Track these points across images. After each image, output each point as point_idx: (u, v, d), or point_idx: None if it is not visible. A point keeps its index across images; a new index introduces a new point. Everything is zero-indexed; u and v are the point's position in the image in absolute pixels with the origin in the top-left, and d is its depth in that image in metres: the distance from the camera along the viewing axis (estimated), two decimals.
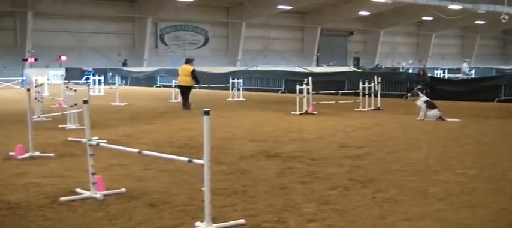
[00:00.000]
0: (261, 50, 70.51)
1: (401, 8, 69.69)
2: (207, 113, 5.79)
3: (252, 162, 9.87)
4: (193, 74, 21.36)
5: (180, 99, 24.43)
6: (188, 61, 22.06)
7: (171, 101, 24.71)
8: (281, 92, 32.04)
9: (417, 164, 9.65)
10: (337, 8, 67.79)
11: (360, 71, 50.77)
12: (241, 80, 28.24)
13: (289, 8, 62.92)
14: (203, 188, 5.85)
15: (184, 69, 21.64)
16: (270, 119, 17.57)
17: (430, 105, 17.19)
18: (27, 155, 10.27)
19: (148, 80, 42.24)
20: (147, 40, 60.40)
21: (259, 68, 48.23)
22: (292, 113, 18.87)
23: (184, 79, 21.48)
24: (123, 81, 40.55)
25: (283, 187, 7.87)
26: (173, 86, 23.52)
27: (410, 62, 73.23)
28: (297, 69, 45.68)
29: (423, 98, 17.64)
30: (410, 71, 46.39)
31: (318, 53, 74.60)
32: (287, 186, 7.91)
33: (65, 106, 18.06)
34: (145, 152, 7.28)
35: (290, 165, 9.53)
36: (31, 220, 6.36)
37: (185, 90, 21.57)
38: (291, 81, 30.53)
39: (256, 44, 70.32)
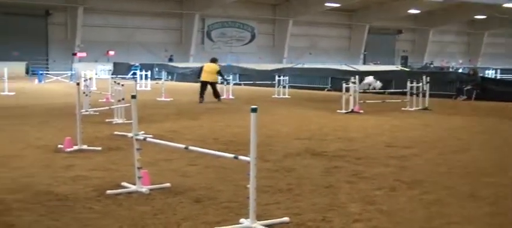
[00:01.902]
0: (307, 48, 70.25)
1: (453, 6, 68.62)
2: (254, 110, 5.77)
3: (297, 160, 9.83)
4: (220, 73, 23.26)
5: (226, 94, 24.59)
6: (214, 60, 23.61)
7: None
8: (327, 90, 31.86)
9: (466, 166, 9.48)
10: (386, 5, 67.06)
11: (407, 70, 50.18)
12: (287, 78, 28.16)
13: (337, 5, 62.56)
14: (248, 185, 5.83)
15: (210, 66, 23.14)
16: (315, 117, 17.49)
17: None
18: (75, 148, 10.41)
19: (194, 75, 42.37)
20: (193, 36, 60.75)
21: (305, 66, 48.07)
22: (338, 111, 18.74)
23: (210, 76, 22.89)
24: (169, 77, 40.92)
25: (329, 186, 7.82)
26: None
27: (460, 61, 72.10)
28: (344, 67, 45.39)
29: None
30: (460, 70, 45.69)
31: (365, 51, 74.02)
32: (332, 185, 7.85)
33: (112, 100, 18.27)
34: (191, 147, 7.30)
35: (335, 164, 9.46)
36: (79, 212, 6.44)
37: (210, 85, 22.85)
38: (337, 79, 30.34)
39: (303, 41, 70.08)
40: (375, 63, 66.76)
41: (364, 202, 6.97)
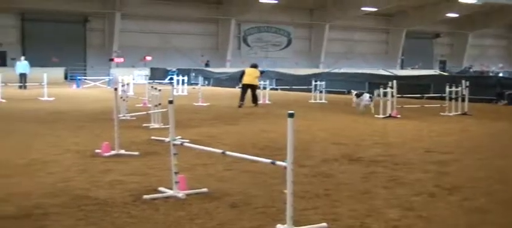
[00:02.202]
0: (344, 52, 69.93)
1: (493, 9, 67.62)
2: (291, 115, 5.72)
3: (335, 165, 9.75)
4: (257, 78, 23.61)
5: (263, 99, 24.57)
6: (255, 66, 24.06)
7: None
8: None
9: (507, 172, 9.31)
10: (423, 9, 66.33)
11: (446, 74, 49.58)
12: (323, 82, 28.03)
13: (374, 9, 62.18)
14: (285, 191, 5.79)
15: (253, 71, 23.39)
16: (352, 122, 17.36)
17: None
18: (112, 152, 10.47)
19: (231, 80, 42.47)
20: (230, 41, 60.91)
21: (342, 71, 47.85)
22: (376, 116, 18.58)
23: (253, 79, 23.11)
24: (206, 82, 40.97)
25: (367, 192, 7.73)
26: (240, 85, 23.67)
27: (501, 65, 70.96)
28: (381, 72, 45.06)
29: None
30: (501, 74, 44.99)
31: (402, 55, 73.40)
32: (370, 191, 7.77)
33: (149, 105, 18.37)
34: (228, 153, 7.28)
35: (373, 169, 9.36)
36: (116, 216, 6.46)
37: (251, 90, 23.03)
38: (374, 84, 30.08)
39: (339, 46, 69.78)
40: (413, 68, 66.13)
41: (403, 208, 6.87)
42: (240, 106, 22.26)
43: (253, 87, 23.16)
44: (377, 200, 7.28)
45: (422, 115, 19.12)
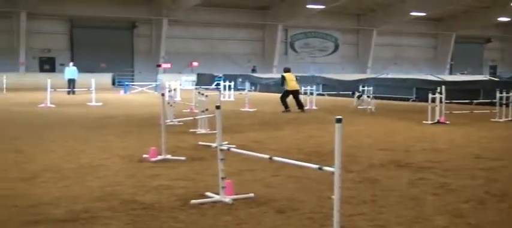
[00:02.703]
0: (391, 58, 69.35)
1: None
2: (339, 120, 5.66)
3: (382, 171, 9.64)
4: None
5: (309, 105, 24.50)
6: (290, 70, 24.21)
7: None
8: (412, 101, 31.29)
9: None
10: (473, 14, 65.30)
11: (496, 79, 48.70)
12: (371, 88, 27.81)
13: (423, 14, 61.50)
14: (332, 196, 5.73)
15: (292, 75, 23.70)
16: (400, 127, 17.18)
17: None
18: (159, 157, 10.54)
19: (278, 86, 42.41)
20: (277, 47, 60.96)
21: (389, 76, 47.44)
22: (424, 122, 18.33)
23: (297, 83, 23.43)
24: (253, 87, 41.12)
25: (414, 198, 7.62)
26: (287, 90, 23.54)
27: None
28: (429, 77, 44.49)
29: None
30: None
31: (451, 61, 72.41)
32: (418, 197, 7.65)
33: (196, 111, 18.50)
34: (275, 158, 7.25)
35: (421, 175, 9.23)
36: (163, 221, 6.49)
37: (295, 95, 23.12)
38: (422, 89, 29.77)
39: (387, 51, 69.22)
40: (462, 73, 65.19)
41: (452, 215, 6.75)
42: (289, 111, 22.43)
43: (297, 92, 23.21)
44: (425, 206, 7.17)
45: (472, 121, 18.80)
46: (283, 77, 23.65)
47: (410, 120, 19.15)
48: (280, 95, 23.75)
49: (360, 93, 21.78)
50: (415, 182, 8.75)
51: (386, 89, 34.00)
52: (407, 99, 31.66)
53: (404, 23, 64.94)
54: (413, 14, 60.97)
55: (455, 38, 71.16)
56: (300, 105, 22.96)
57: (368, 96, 26.52)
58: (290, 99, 23.04)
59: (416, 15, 61.72)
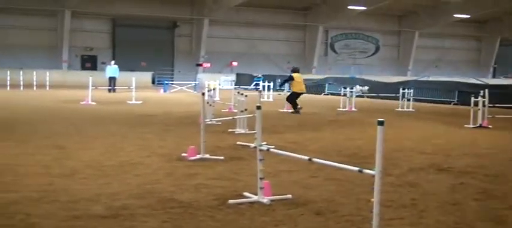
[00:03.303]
0: (433, 60, 68.60)
1: None
2: (381, 123, 5.59)
3: (422, 175, 9.51)
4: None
5: (349, 107, 24.35)
6: (298, 70, 23.63)
7: (339, 109, 24.58)
8: (453, 104, 30.92)
9: None
10: None
11: None
12: (411, 90, 27.53)
13: (466, 16, 60.68)
14: (372, 199, 5.66)
15: (300, 76, 23.16)
16: (441, 131, 16.96)
17: None
18: (198, 156, 10.56)
19: (317, 87, 42.41)
20: (317, 48, 60.80)
21: (430, 79, 46.94)
22: (466, 126, 18.07)
23: (304, 86, 23.03)
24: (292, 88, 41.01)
25: (455, 203, 7.49)
26: (299, 92, 23.32)
27: None
28: (472, 80, 43.91)
29: None
30: None
31: (495, 64, 71.28)
32: (459, 203, 7.52)
33: (235, 111, 18.51)
34: (315, 159, 7.20)
35: (462, 180, 9.08)
36: (201, 220, 6.49)
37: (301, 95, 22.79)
38: (464, 93, 29.37)
39: (429, 53, 68.47)
40: (506, 77, 64.14)
41: (494, 222, 6.62)
42: (300, 109, 22.21)
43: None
44: (466, 212, 7.05)
45: None
46: (291, 77, 23.25)
47: (451, 124, 18.90)
48: (321, 96, 23.59)
49: (351, 93, 21.37)
50: (456, 186, 8.61)
51: (427, 91, 33.69)
52: (449, 103, 31.30)
53: (447, 25, 64.16)
54: (457, 16, 60.19)
55: (500, 40, 69.99)
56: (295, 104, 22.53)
57: (408, 100, 26.30)
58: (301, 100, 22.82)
59: (460, 18, 60.90)
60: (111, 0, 50.92)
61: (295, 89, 22.78)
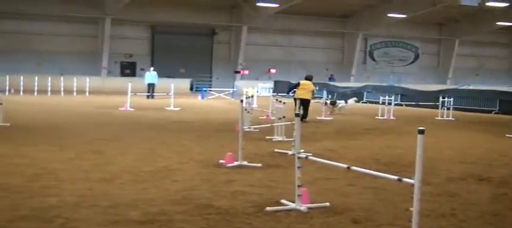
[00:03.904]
0: (473, 69, 67.65)
1: None
2: (421, 131, 5.53)
3: (462, 184, 9.39)
4: (313, 92, 22.50)
5: (387, 115, 24.11)
6: (310, 78, 22.99)
7: (377, 117, 24.40)
8: (494, 113, 30.46)
9: None
10: None
11: None
12: (451, 99, 27.20)
13: (509, 24, 59.74)
14: (411, 208, 5.60)
15: (307, 84, 22.36)
16: (481, 140, 16.71)
17: None
18: (236, 163, 10.57)
19: (355, 95, 42.13)
20: (355, 55, 60.46)
21: (470, 87, 46.35)
22: (507, 135, 17.76)
23: (305, 93, 22.04)
24: (330, 96, 40.87)
25: (496, 214, 7.37)
26: (294, 98, 22.90)
27: None
28: None
29: None
30: None
31: None
32: (500, 213, 7.40)
33: (272, 118, 18.49)
34: (353, 168, 7.15)
35: (503, 190, 8.94)
36: (238, 227, 6.51)
37: (306, 104, 21.91)
38: (505, 101, 28.95)
39: (469, 61, 67.54)
40: None
41: None
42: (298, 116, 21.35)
43: (305, 102, 21.98)
44: (507, 223, 6.94)
45: None
46: (297, 84, 22.74)
47: (492, 133, 18.62)
48: (359, 104, 23.37)
49: (333, 100, 20.77)
50: (497, 197, 8.47)
51: (467, 100, 33.23)
52: (490, 112, 30.84)
53: (489, 33, 63.22)
54: (499, 24, 59.30)
55: None
56: (304, 114, 21.40)
57: (448, 108, 25.99)
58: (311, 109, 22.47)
59: (502, 25, 60.00)
60: (150, 7, 51.28)
61: (295, 95, 22.52)
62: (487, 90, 36.60)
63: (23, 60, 49.00)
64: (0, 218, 6.60)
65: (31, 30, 50.08)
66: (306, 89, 22.16)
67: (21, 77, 37.35)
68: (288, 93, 23.82)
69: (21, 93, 35.52)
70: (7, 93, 33.33)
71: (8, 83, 36.10)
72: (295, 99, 22.25)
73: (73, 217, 6.69)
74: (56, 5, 49.01)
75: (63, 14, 49.58)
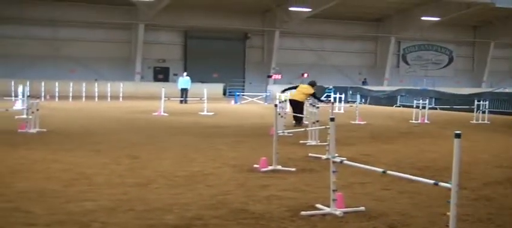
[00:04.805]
0: (509, 71, 66.83)
1: None
2: (458, 135, 5.48)
3: (499, 189, 9.27)
4: (315, 96, 22.35)
5: (421, 119, 23.92)
6: (312, 84, 22.90)
7: (411, 121, 24.20)
8: None
9: None
10: None
11: None
12: (486, 102, 26.88)
13: None
14: (448, 213, 5.55)
15: (305, 87, 22.51)
16: None
17: None
18: (270, 168, 10.58)
19: (389, 99, 41.93)
20: (388, 59, 60.14)
21: (506, 90, 45.78)
22: None
23: (299, 95, 22.06)
24: (363, 100, 40.71)
25: None
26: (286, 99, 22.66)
27: None
28: None
29: None
30: None
31: None
32: None
33: (306, 122, 18.46)
34: (389, 172, 7.11)
35: None
36: None
37: (295, 104, 21.91)
38: None
39: (505, 64, 66.75)
40: None
41: None
42: (295, 123, 20.88)
43: (295, 102, 21.97)
44: None
45: None
46: (295, 87, 23.12)
47: None
48: (392, 108, 23.21)
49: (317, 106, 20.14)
50: None
51: (503, 103, 32.89)
52: None
53: None
54: None
55: None
56: (295, 117, 20.98)
57: (483, 112, 25.71)
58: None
59: None
60: (183, 12, 51.61)
61: (290, 96, 22.64)
62: None
63: (58, 66, 49.75)
64: (37, 222, 6.69)
65: (65, 36, 50.81)
66: (299, 91, 22.33)
67: (56, 83, 37.88)
68: (282, 92, 23.82)
69: (57, 99, 35.99)
70: (43, 99, 33.74)
71: (43, 89, 36.58)
72: (290, 101, 22.35)
73: (109, 221, 6.75)
74: (89, 11, 49.70)
75: (97, 20, 50.17)
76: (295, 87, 23.19)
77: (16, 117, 20.16)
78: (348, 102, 36.60)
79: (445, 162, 11.17)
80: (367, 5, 52.85)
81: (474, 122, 25.12)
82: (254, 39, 56.98)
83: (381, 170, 7.18)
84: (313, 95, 22.29)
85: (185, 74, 39.29)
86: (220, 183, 9.33)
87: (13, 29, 48.51)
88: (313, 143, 14.89)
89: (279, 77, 53.10)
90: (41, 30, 49.97)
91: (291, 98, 22.42)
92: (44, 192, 8.30)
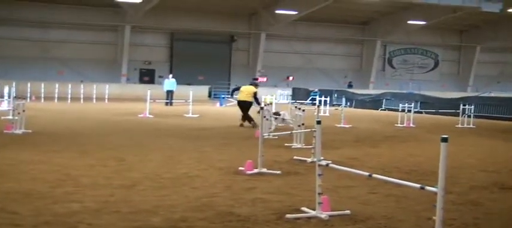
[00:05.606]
0: (495, 76, 67.17)
1: None
2: (444, 140, 5.49)
3: (484, 193, 9.30)
4: (255, 96, 22.08)
5: (407, 123, 24.02)
6: (254, 84, 23.03)
7: (396, 125, 24.27)
8: None
9: None
10: None
11: None
12: (472, 107, 26.99)
13: None
14: (434, 217, 5.56)
15: (248, 88, 22.37)
16: (503, 148, 16.59)
17: None
18: (255, 170, 10.56)
19: (374, 102, 42.00)
20: (374, 63, 60.35)
21: (492, 95, 46.04)
22: None
23: (246, 96, 21.99)
24: (348, 103, 40.77)
25: None
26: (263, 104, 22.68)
27: None
28: None
29: None
30: None
31: None
32: None
33: (291, 125, 18.45)
34: (375, 175, 7.12)
35: None
36: None
37: (245, 106, 21.95)
38: None
39: (490, 69, 67.06)
40: None
41: None
42: (241, 125, 21.57)
43: (243, 103, 22.03)
44: None
45: None
46: (238, 88, 23.38)
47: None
48: (378, 111, 23.30)
49: (278, 114, 20.02)
50: None
51: (488, 108, 33.04)
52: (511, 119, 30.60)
53: (510, 39, 62.64)
54: None
55: None
56: (247, 118, 21.69)
57: (469, 116, 25.80)
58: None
59: None
60: (169, 15, 51.55)
61: (237, 97, 22.77)
62: (509, 98, 36.36)
63: (44, 67, 49.56)
64: (23, 223, 6.64)
65: (52, 38, 50.71)
66: (244, 92, 22.32)
67: (42, 84, 37.67)
68: (231, 96, 23.94)
69: (42, 100, 35.78)
70: (28, 100, 33.54)
71: (29, 90, 36.37)
72: (238, 102, 22.46)
73: (95, 223, 6.72)
74: (77, 13, 49.53)
75: (83, 22, 50.02)
76: (237, 89, 23.43)
77: (2, 118, 20.03)
78: (333, 105, 36.66)
79: (431, 166, 11.19)
80: (354, 8, 52.97)
81: (460, 126, 25.22)
82: (240, 41, 57.04)
83: (366, 173, 7.18)
84: (254, 95, 22.14)
85: (171, 76, 39.18)
86: (206, 185, 9.31)
87: (2, 30, 48.31)
88: (299, 146, 14.89)
89: (264, 79, 53.15)
90: (28, 32, 49.82)
91: (238, 99, 22.49)
92: (30, 194, 8.24)
